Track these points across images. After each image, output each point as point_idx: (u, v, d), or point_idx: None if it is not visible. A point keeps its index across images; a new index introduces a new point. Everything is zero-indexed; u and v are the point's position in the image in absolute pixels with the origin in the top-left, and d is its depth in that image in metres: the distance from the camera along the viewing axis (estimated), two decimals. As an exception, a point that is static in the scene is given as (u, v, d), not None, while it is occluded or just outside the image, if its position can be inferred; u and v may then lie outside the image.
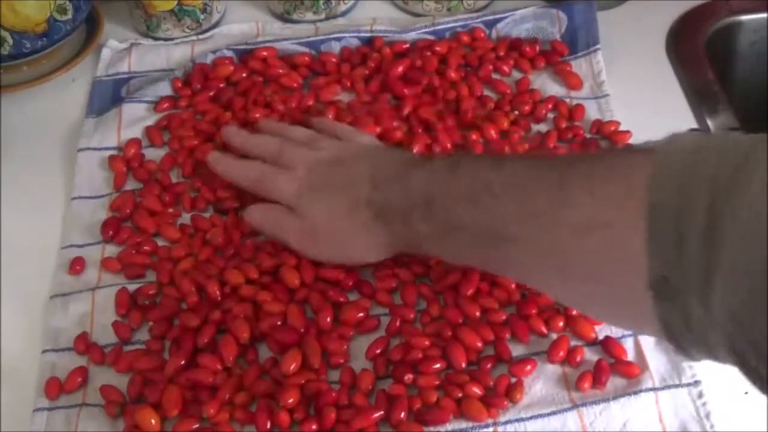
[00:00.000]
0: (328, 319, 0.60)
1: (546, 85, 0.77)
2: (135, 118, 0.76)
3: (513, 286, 0.61)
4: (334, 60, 0.79)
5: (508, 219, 0.51)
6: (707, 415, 0.55)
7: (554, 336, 0.59)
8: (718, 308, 0.41)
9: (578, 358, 0.58)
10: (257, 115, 0.73)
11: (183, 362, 0.58)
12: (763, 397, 0.54)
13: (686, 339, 0.45)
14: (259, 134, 0.69)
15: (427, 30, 0.82)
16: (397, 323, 0.60)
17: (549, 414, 0.56)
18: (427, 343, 0.58)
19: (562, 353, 0.58)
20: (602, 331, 0.60)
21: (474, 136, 0.72)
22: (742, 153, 0.43)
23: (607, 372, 0.57)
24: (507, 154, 0.54)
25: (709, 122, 0.74)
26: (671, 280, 0.43)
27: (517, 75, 0.79)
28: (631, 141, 0.71)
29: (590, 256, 0.48)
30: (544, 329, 0.59)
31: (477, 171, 0.54)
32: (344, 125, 0.69)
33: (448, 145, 0.71)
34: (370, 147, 0.65)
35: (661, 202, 0.44)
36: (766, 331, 0.39)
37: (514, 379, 0.57)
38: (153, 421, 0.56)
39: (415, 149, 0.70)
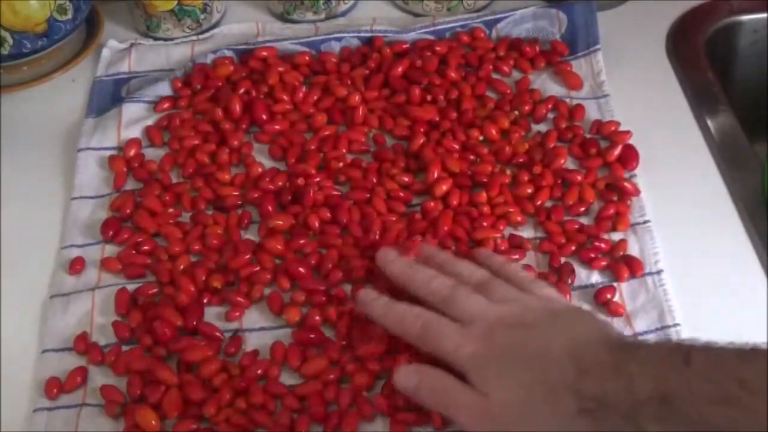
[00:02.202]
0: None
1: (546, 85, 0.77)
2: (135, 118, 0.76)
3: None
4: (334, 60, 0.79)
5: None
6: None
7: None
8: None
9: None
10: (264, 117, 0.74)
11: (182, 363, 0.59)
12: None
13: None
14: (422, 267, 0.59)
15: (427, 30, 0.82)
16: None
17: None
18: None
19: None
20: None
21: (475, 134, 0.72)
22: None
23: None
24: (745, 345, 0.46)
25: (709, 122, 0.74)
26: None
27: (517, 75, 0.78)
28: (631, 141, 0.71)
29: None
30: None
31: (721, 363, 0.46)
32: (519, 270, 0.60)
33: (455, 146, 0.71)
34: (558, 310, 0.55)
35: None
36: None
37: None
38: (153, 421, 0.56)
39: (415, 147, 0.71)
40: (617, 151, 0.70)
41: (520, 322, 0.53)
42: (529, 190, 0.68)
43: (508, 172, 0.69)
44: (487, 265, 0.59)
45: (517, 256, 0.64)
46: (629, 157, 0.70)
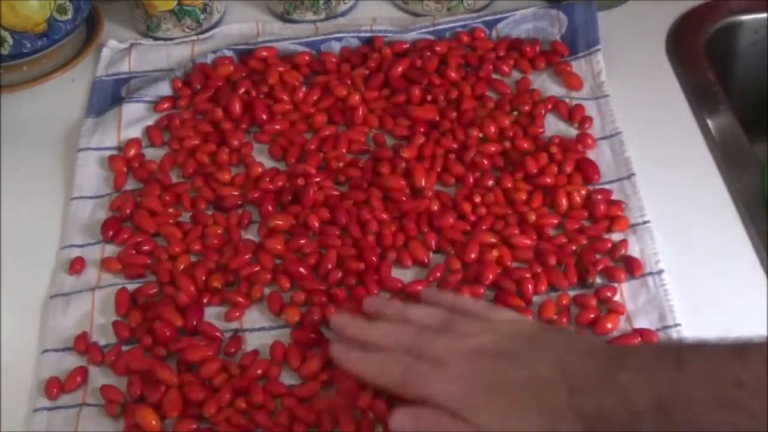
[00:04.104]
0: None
1: (546, 85, 0.77)
2: (135, 118, 0.76)
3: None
4: (334, 60, 0.79)
5: None
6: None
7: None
8: None
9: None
10: (264, 117, 0.74)
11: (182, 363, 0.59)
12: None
13: None
14: (378, 323, 0.58)
15: (427, 30, 0.82)
16: None
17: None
18: None
19: None
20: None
21: (474, 133, 0.72)
22: None
23: None
24: (738, 340, 0.45)
25: (709, 122, 0.74)
26: None
27: (517, 75, 0.78)
28: (631, 141, 0.71)
29: None
30: None
31: (715, 364, 0.45)
32: (472, 301, 0.59)
33: (453, 145, 0.71)
34: (531, 331, 0.54)
35: None
36: None
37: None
38: (153, 421, 0.56)
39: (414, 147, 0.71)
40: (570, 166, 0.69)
41: (497, 350, 0.52)
42: (524, 196, 0.68)
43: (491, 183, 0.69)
44: (438, 303, 0.58)
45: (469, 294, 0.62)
46: (589, 170, 0.69)
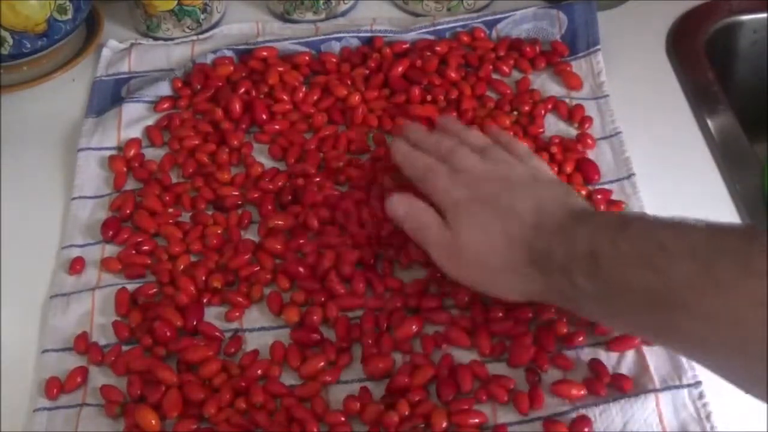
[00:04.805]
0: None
1: (546, 85, 0.77)
2: (135, 118, 0.76)
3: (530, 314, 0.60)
4: (334, 60, 0.79)
5: (682, 284, 0.47)
6: (708, 416, 0.55)
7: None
8: None
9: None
10: (264, 117, 0.74)
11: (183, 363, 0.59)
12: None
13: None
14: (437, 133, 0.66)
15: (427, 30, 0.82)
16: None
17: (549, 416, 0.56)
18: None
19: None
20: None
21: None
22: None
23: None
24: (683, 217, 0.50)
25: (709, 122, 0.74)
26: None
27: (517, 75, 0.78)
28: (631, 141, 0.71)
29: None
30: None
31: (649, 230, 0.50)
32: (523, 144, 0.65)
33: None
34: (540, 177, 0.60)
35: None
36: None
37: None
38: (153, 421, 0.56)
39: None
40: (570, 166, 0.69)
41: (503, 178, 0.59)
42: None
43: None
44: (495, 136, 0.66)
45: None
46: (589, 170, 0.69)
